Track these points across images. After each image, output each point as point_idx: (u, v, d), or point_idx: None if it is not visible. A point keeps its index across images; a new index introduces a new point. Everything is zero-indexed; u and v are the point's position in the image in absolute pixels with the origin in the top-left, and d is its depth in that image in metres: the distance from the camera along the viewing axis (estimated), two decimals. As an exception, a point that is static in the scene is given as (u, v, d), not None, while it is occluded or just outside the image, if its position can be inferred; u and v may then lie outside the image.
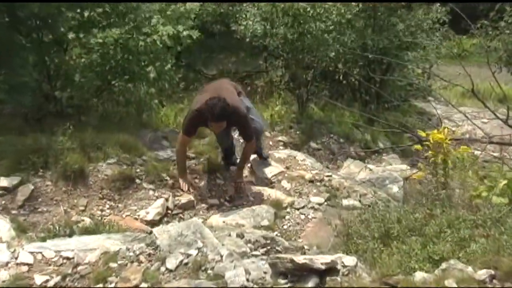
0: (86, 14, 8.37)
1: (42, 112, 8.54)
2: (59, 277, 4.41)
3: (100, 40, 8.48)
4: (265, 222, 6.41)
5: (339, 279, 3.97)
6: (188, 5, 9.53)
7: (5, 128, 7.70)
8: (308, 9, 10.06)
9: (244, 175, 7.54)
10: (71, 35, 8.63)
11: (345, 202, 7.16)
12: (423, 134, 7.10)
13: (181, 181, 7.11)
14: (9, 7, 7.67)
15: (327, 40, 10.47)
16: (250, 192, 7.21)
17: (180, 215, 6.77)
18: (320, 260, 4.01)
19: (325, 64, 11.41)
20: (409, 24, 12.09)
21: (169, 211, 6.75)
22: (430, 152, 6.82)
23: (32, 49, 7.94)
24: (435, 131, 6.83)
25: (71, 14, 8.21)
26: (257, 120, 7.57)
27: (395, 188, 7.85)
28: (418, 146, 7.44)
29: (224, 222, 6.32)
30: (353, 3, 11.40)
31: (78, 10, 8.25)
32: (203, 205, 6.99)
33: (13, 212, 6.06)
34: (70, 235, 5.32)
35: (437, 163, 6.65)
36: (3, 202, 6.15)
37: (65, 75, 8.56)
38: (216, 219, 6.48)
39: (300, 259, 3.96)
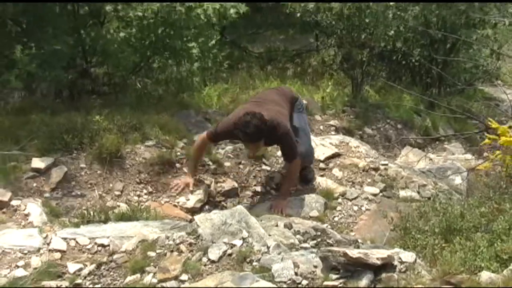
0: (125, -16, 8.42)
1: (77, 90, 8.65)
2: (93, 266, 4.48)
3: (140, 13, 8.55)
4: (315, 213, 6.41)
5: (396, 276, 3.96)
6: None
7: (38, 106, 7.82)
8: (368, -19, 9.99)
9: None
10: (108, 7, 8.70)
11: (402, 193, 7.11)
12: (494, 124, 6.79)
13: (182, 178, 6.82)
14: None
15: (387, 17, 10.37)
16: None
17: (223, 203, 6.80)
18: (376, 255, 3.99)
19: (384, 43, 11.29)
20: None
21: (211, 199, 6.78)
22: (497, 152, 6.71)
23: (66, 20, 8.01)
24: (505, 127, 6.62)
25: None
26: (303, 145, 6.93)
27: (458, 180, 7.74)
28: (487, 141, 7.19)
29: (263, 211, 6.33)
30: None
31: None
32: (248, 192, 7.01)
33: (45, 195, 6.15)
34: (105, 221, 5.42)
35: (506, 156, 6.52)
36: (34, 184, 6.24)
37: (101, 50, 8.62)
38: (260, 207, 6.50)
39: (354, 253, 3.95)
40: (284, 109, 6.69)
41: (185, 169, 6.96)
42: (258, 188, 7.10)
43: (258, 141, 6.35)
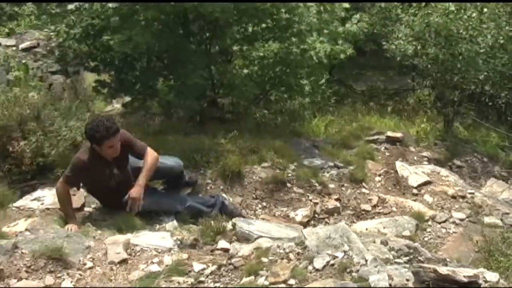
0: (250, 29, 8.57)
1: (206, 116, 8.84)
2: (215, 266, 4.53)
3: (261, 54, 8.69)
4: (407, 233, 6.29)
5: (480, 293, 3.83)
6: (348, 26, 9.55)
7: (174, 129, 8.08)
8: (461, 30, 9.77)
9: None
10: (235, 47, 8.89)
11: (486, 219, 6.90)
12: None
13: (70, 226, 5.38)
14: (184, 21, 8.02)
15: (478, 62, 10.13)
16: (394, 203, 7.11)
17: (326, 219, 6.79)
18: (463, 273, 3.88)
19: (474, 86, 11.02)
20: None
21: (316, 215, 6.79)
22: None
23: (201, 57, 8.24)
24: None
25: (237, 28, 8.45)
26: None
27: (539, 210, 7.44)
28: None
29: (367, 229, 6.25)
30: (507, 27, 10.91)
31: (244, 25, 8.45)
32: (348, 211, 6.97)
33: (177, 204, 6.29)
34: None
35: None
36: (168, 195, 6.41)
37: (227, 83, 8.80)
38: (359, 225, 6.44)
39: (443, 270, 3.85)
40: None
41: (294, 188, 6.99)
42: (358, 208, 7.05)
43: (114, 136, 5.39)
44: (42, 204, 5.77)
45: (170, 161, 6.17)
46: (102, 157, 5.53)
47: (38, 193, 5.90)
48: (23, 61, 10.44)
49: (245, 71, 9.04)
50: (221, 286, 4.26)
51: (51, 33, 9.63)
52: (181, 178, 6.36)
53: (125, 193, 5.58)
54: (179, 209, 5.93)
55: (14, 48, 11.01)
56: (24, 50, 11.05)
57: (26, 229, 5.06)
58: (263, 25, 8.37)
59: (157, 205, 5.87)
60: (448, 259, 4.98)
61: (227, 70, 8.78)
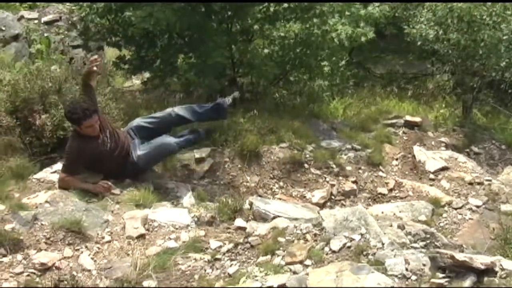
0: (271, 8, 8.49)
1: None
2: (231, 244, 4.55)
3: (282, 34, 8.63)
4: (423, 218, 6.26)
5: (497, 280, 3.80)
6: (370, 9, 9.43)
7: (193, 107, 8.04)
8: (485, 16, 9.64)
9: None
10: (256, 27, 8.83)
11: (503, 207, 6.82)
12: None
13: (98, 190, 5.59)
14: (206, -1, 7.98)
15: (500, 49, 10.00)
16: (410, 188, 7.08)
17: (342, 201, 6.77)
18: (480, 260, 3.86)
19: (494, 73, 10.89)
20: None
21: (332, 197, 6.77)
22: None
23: (222, 36, 8.19)
24: None
25: (259, 7, 8.38)
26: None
27: (557, 199, 7.37)
28: None
29: (383, 212, 6.23)
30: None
31: (265, 4, 8.38)
32: (365, 194, 6.95)
33: (194, 182, 6.32)
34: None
35: None
36: (186, 172, 6.44)
37: (247, 63, 8.73)
38: (375, 209, 6.41)
39: (460, 256, 3.83)
40: None
41: (312, 170, 6.97)
42: (374, 191, 7.02)
43: (91, 117, 5.59)
44: (62, 177, 5.80)
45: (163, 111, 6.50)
46: (87, 135, 5.69)
47: (58, 166, 5.92)
48: (45, 35, 10.47)
49: (266, 51, 8.97)
50: (238, 264, 4.26)
51: (73, 7, 9.61)
52: (186, 119, 6.47)
53: (123, 152, 5.88)
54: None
55: (36, 21, 11.04)
56: (46, 23, 11.07)
57: (46, 201, 5.09)
58: (285, 5, 8.29)
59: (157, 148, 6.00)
60: (464, 246, 4.96)
61: (248, 49, 8.71)
